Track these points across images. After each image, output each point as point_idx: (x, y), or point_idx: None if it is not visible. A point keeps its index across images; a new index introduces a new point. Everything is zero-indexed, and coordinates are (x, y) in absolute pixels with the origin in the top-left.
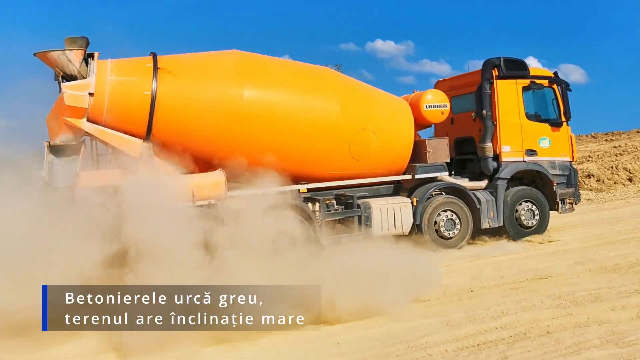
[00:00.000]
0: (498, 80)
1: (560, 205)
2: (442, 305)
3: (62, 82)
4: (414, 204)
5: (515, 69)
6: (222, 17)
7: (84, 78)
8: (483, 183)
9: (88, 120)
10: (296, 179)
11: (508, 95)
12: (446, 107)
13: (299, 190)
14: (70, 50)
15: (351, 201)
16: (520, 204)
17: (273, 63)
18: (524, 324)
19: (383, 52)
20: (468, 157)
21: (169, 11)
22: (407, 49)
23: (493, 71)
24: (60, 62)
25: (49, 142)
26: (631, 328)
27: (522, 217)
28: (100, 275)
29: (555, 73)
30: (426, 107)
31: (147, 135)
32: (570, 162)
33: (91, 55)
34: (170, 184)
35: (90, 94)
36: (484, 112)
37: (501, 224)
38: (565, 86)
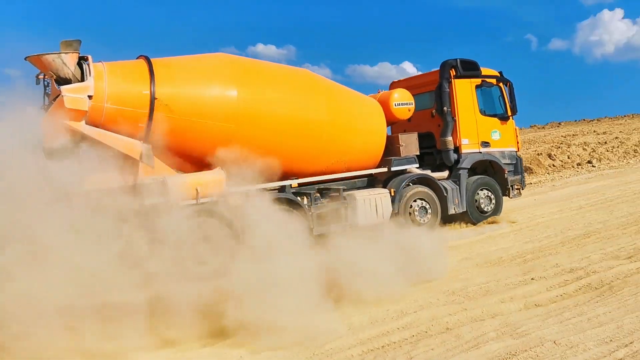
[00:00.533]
0: (455, 80)
1: (510, 191)
2: (343, 309)
3: (57, 85)
4: (392, 194)
5: (469, 69)
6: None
7: (78, 81)
8: (445, 174)
9: (87, 123)
10: (286, 175)
11: (464, 93)
12: (412, 104)
13: (290, 185)
14: (66, 53)
15: (337, 194)
16: (478, 192)
17: (261, 65)
18: (424, 322)
19: (265, 56)
20: (427, 150)
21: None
22: (288, 53)
23: (451, 71)
24: (55, 65)
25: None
26: (521, 319)
27: (482, 203)
28: None
29: (501, 73)
30: (395, 105)
31: (146, 136)
32: (516, 151)
33: (83, 58)
34: (179, 182)
35: (89, 97)
36: (445, 108)
37: (464, 210)
38: (510, 84)
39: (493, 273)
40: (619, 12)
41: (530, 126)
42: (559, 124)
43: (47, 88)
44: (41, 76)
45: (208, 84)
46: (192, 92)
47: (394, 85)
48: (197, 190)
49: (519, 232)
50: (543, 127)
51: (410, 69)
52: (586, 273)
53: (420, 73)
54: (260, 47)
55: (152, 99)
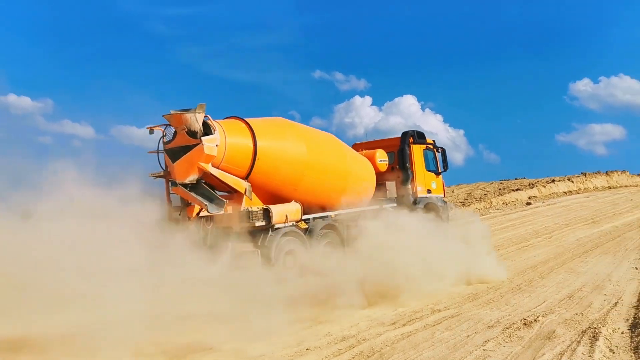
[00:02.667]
0: (413, 145)
1: None
2: None
3: (189, 136)
4: None
5: (420, 137)
6: None
7: (202, 134)
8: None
9: (212, 165)
10: (324, 209)
11: (417, 154)
12: (386, 161)
13: (330, 215)
14: (199, 113)
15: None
16: None
17: (305, 127)
18: None
19: (17, 108)
20: None
21: None
22: (45, 107)
23: (410, 139)
24: (190, 121)
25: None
26: None
27: None
28: None
29: (434, 141)
30: (379, 161)
31: (247, 176)
32: (443, 197)
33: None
34: (276, 210)
35: (216, 146)
36: (407, 165)
37: None
38: (442, 150)
39: (271, 343)
40: (368, 99)
41: None
42: None
43: (164, 137)
44: (157, 127)
45: (286, 140)
46: (277, 145)
47: (356, 146)
48: (286, 216)
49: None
50: None
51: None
52: (357, 341)
53: (383, 138)
54: (12, 98)
55: (255, 149)
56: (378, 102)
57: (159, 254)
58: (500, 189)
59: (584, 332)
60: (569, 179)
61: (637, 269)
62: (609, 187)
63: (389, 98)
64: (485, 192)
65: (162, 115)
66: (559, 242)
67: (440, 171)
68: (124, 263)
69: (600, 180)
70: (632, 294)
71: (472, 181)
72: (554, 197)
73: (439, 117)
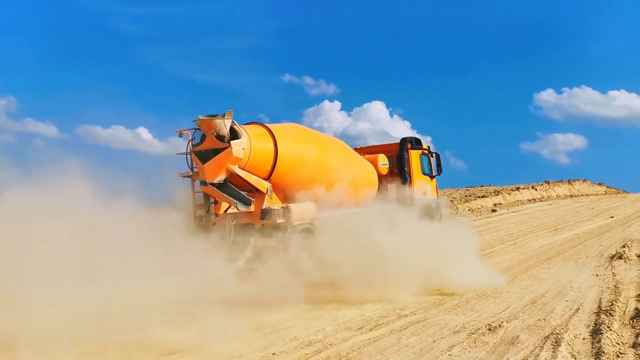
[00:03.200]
0: (411, 150)
1: None
2: None
3: (218, 140)
4: None
5: (417, 144)
6: None
7: (229, 139)
8: None
9: (238, 167)
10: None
11: (415, 159)
12: (387, 165)
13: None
14: (227, 119)
15: None
16: None
17: (316, 132)
18: None
19: None
20: None
21: None
22: (8, 105)
23: (408, 145)
24: (219, 126)
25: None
26: None
27: None
28: None
29: (428, 147)
30: (381, 165)
31: (268, 177)
32: (436, 199)
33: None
34: (294, 208)
35: (243, 149)
36: (405, 169)
37: None
38: (436, 155)
39: (235, 348)
40: (337, 104)
41: None
42: None
43: (192, 140)
44: (185, 131)
45: (302, 144)
46: (295, 149)
47: (358, 150)
48: (303, 214)
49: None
50: None
51: (145, 135)
52: (324, 346)
53: (383, 144)
54: None
55: (276, 153)
56: (347, 108)
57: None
58: (466, 196)
59: (546, 337)
60: (533, 187)
61: (597, 275)
62: (571, 196)
63: (357, 104)
64: (452, 199)
65: (193, 121)
66: (523, 249)
67: (434, 175)
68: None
69: (562, 189)
70: (592, 301)
71: (438, 187)
72: (518, 205)
73: (407, 123)
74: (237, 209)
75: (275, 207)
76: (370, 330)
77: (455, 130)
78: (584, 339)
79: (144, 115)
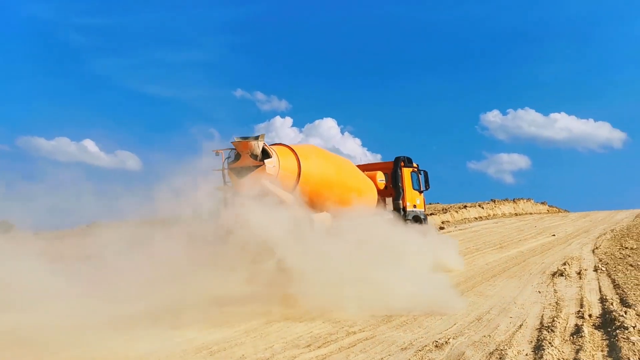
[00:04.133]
0: (404, 168)
1: None
2: None
3: (254, 159)
4: None
5: (409, 162)
6: None
7: (261, 158)
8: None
9: (270, 182)
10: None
11: (407, 176)
12: (384, 180)
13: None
14: (261, 140)
15: None
16: None
17: (329, 153)
18: None
19: None
20: None
21: None
22: None
23: (401, 163)
24: (253, 147)
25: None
26: None
27: None
28: None
29: (417, 165)
30: (379, 181)
31: (292, 191)
32: (424, 211)
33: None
34: (316, 217)
35: (274, 167)
36: (399, 184)
37: None
38: (424, 173)
39: None
40: (288, 120)
41: None
42: None
43: (228, 159)
44: (220, 150)
45: (320, 163)
46: (314, 167)
47: (358, 167)
48: (322, 222)
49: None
50: None
51: (92, 148)
52: None
53: (379, 162)
54: None
55: (299, 170)
56: (298, 124)
57: None
58: None
59: (491, 353)
60: (479, 205)
61: (540, 292)
62: (516, 214)
63: (309, 120)
64: None
65: (231, 142)
66: (470, 266)
67: (422, 190)
68: None
69: (507, 207)
70: (535, 317)
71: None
72: (465, 222)
73: (358, 140)
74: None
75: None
76: (318, 347)
77: (405, 148)
78: (526, 354)
79: (90, 127)
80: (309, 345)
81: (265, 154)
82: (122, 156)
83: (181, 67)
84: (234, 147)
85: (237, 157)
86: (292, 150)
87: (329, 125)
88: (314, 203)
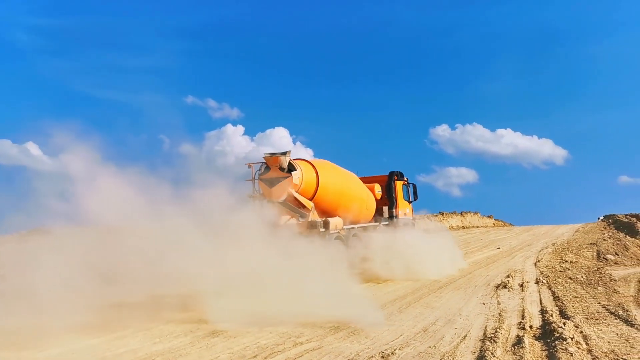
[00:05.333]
0: (396, 181)
1: None
2: None
3: (281, 171)
4: None
5: (400, 176)
6: None
7: (287, 170)
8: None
9: (295, 191)
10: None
11: (399, 188)
12: (381, 192)
13: (356, 227)
14: (288, 156)
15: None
16: None
17: (340, 168)
18: None
19: None
20: None
21: None
22: None
23: (395, 177)
24: (281, 161)
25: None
26: None
27: None
28: None
29: (407, 179)
30: (377, 192)
31: (312, 198)
32: (412, 218)
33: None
34: (331, 221)
35: (299, 178)
36: (393, 195)
37: None
38: (413, 185)
39: None
40: (240, 129)
41: None
42: None
43: (259, 171)
44: (252, 164)
45: (333, 176)
46: (329, 180)
47: None
48: (336, 226)
49: (150, 331)
50: None
51: (35, 151)
52: None
53: (375, 175)
54: None
55: (317, 182)
56: (250, 132)
57: None
58: None
59: None
60: (428, 218)
61: (484, 304)
62: (463, 227)
63: (261, 129)
64: None
65: (263, 157)
66: (417, 277)
67: (411, 200)
68: None
69: (455, 220)
70: (479, 328)
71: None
72: None
73: (310, 151)
74: (299, 220)
75: (319, 219)
76: (265, 358)
77: (356, 159)
78: None
79: (34, 130)
80: (255, 356)
81: (291, 167)
82: (66, 160)
83: (131, 71)
84: (264, 162)
85: (267, 169)
86: (312, 164)
87: (280, 134)
88: (327, 209)
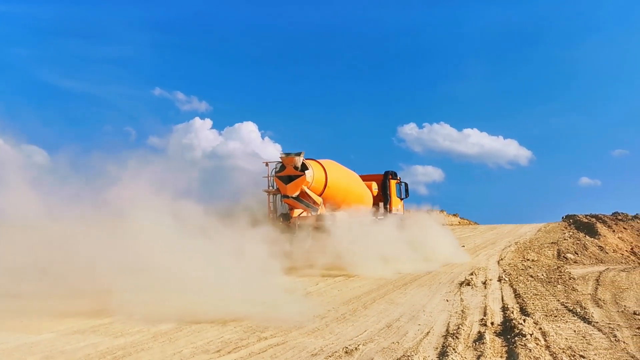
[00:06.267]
0: (391, 180)
1: None
2: None
3: (297, 170)
4: None
5: (394, 175)
6: None
7: (300, 169)
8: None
9: (307, 187)
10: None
11: (392, 186)
12: (377, 189)
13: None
14: (301, 156)
15: None
16: None
17: (342, 167)
18: None
19: None
20: None
21: None
22: None
23: (389, 176)
24: (295, 161)
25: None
26: None
27: None
28: None
29: (400, 178)
30: (374, 189)
31: (321, 194)
32: (403, 214)
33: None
34: (338, 214)
35: (311, 176)
36: (388, 192)
37: None
38: (405, 184)
39: None
40: (208, 122)
41: None
42: None
43: (274, 169)
44: (268, 162)
45: (338, 175)
46: (336, 178)
47: None
48: (342, 218)
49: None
50: None
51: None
52: None
53: (372, 174)
54: None
55: (326, 180)
56: (218, 126)
57: None
58: None
59: (398, 359)
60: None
61: (447, 301)
62: None
63: (229, 123)
64: None
65: (279, 157)
66: (382, 274)
67: (402, 198)
68: None
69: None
70: (442, 324)
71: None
72: None
73: (278, 146)
74: (311, 213)
75: (327, 213)
76: (228, 353)
77: (324, 156)
78: None
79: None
80: (219, 351)
81: (304, 166)
82: (28, 150)
83: (98, 62)
84: (280, 161)
85: (282, 168)
86: (321, 164)
87: (249, 129)
88: (333, 204)
